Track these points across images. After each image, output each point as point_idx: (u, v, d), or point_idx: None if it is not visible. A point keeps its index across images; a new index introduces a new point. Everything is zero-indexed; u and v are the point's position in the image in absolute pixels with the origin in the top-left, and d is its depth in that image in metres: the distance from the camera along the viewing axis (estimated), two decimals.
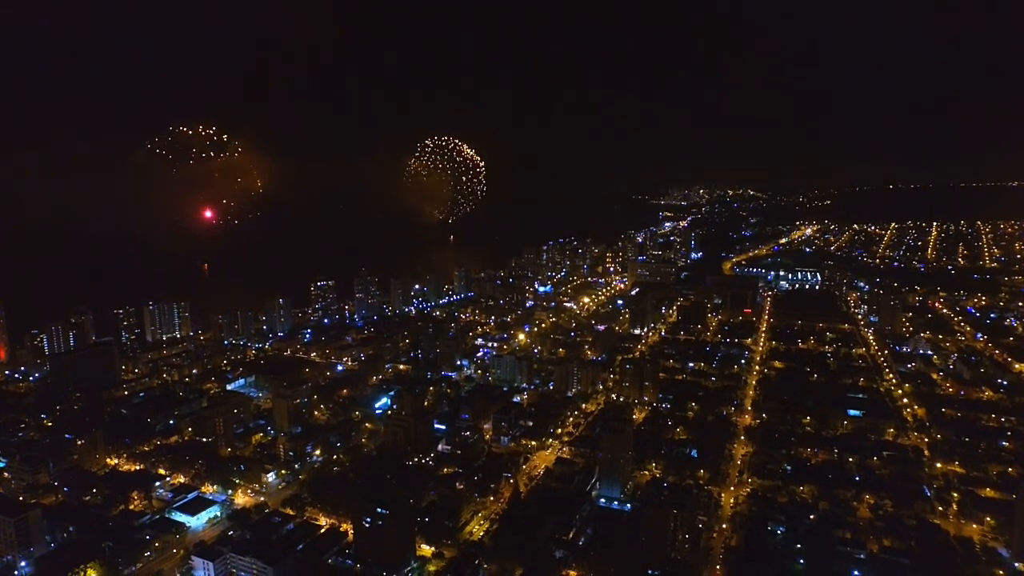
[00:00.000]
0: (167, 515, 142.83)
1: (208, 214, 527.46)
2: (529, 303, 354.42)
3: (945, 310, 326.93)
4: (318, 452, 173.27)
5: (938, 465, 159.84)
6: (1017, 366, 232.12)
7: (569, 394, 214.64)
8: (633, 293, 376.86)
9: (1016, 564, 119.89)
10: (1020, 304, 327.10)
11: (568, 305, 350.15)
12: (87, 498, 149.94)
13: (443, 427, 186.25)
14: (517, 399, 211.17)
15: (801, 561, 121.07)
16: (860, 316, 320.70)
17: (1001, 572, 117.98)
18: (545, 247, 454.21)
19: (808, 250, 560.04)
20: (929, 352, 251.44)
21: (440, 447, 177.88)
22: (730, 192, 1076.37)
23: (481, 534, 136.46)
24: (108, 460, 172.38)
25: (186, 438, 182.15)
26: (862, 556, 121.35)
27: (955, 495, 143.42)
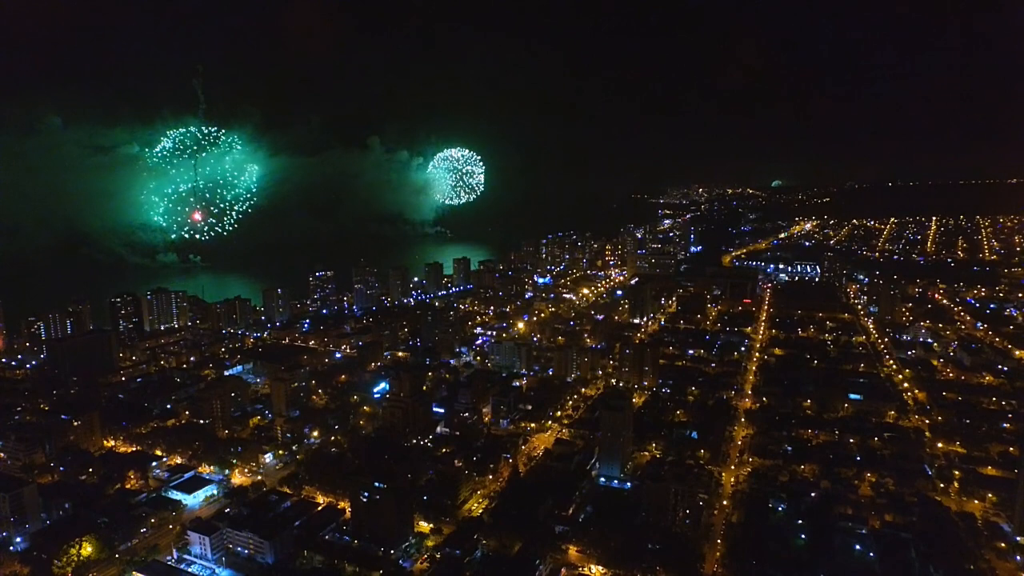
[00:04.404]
0: (163, 493, 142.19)
1: (197, 216, 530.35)
2: (528, 294, 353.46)
3: (945, 301, 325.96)
4: (316, 434, 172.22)
5: (939, 445, 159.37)
6: (1017, 352, 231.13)
7: (569, 379, 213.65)
8: (632, 284, 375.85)
9: (1018, 538, 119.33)
10: (1020, 295, 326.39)
11: (567, 296, 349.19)
12: (83, 477, 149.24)
13: (442, 410, 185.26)
14: (516, 384, 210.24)
15: (802, 536, 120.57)
16: (860, 306, 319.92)
17: (1003, 544, 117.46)
18: (544, 241, 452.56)
19: (807, 244, 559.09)
20: (929, 340, 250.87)
21: (439, 429, 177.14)
22: (729, 190, 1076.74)
23: (480, 511, 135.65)
24: (105, 442, 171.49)
25: (183, 421, 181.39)
26: (864, 531, 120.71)
27: (956, 473, 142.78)
